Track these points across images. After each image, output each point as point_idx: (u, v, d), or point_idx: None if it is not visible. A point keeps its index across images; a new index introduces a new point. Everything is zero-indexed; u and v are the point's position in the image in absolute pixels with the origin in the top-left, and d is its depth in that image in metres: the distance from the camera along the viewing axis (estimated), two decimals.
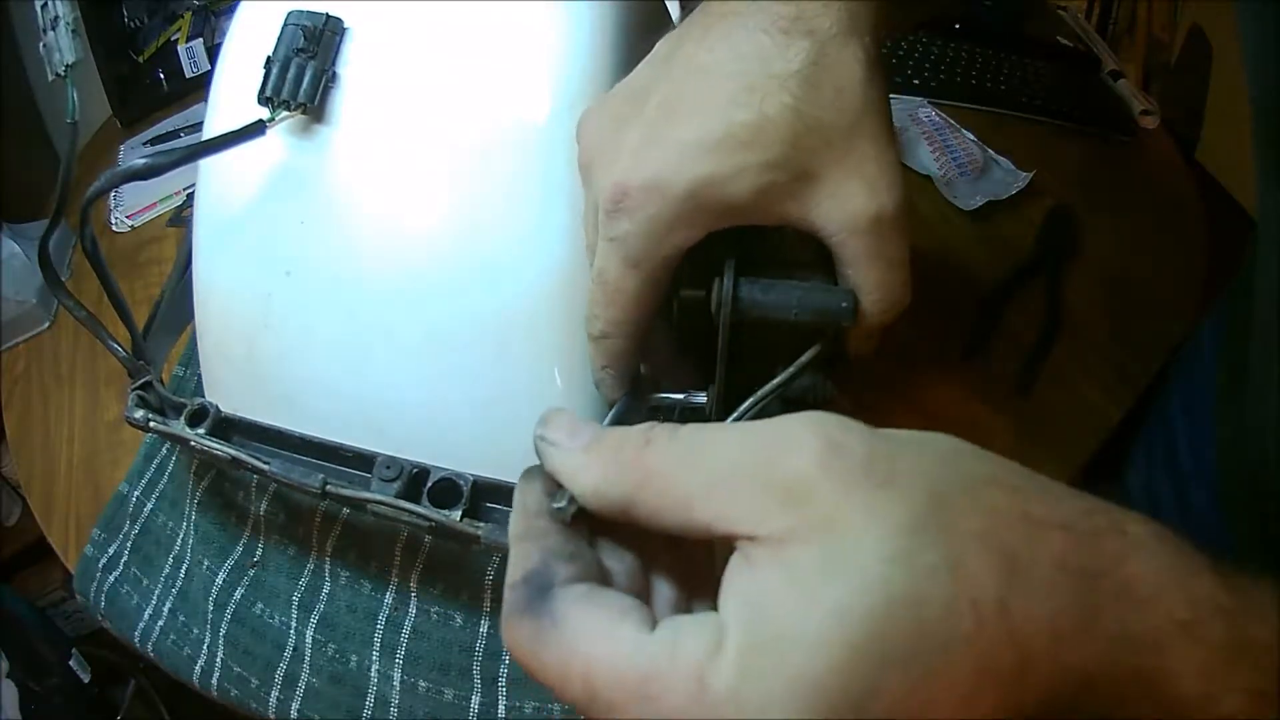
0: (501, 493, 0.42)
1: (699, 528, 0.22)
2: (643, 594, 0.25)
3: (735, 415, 0.37)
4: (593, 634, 0.21)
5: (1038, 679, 0.20)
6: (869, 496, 0.20)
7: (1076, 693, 0.21)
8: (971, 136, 0.82)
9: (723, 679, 0.19)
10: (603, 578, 0.24)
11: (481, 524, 0.41)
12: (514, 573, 0.24)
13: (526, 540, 0.24)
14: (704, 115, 0.31)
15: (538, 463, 0.27)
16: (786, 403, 0.38)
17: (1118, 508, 0.22)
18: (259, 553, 0.52)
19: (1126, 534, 0.21)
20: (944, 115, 0.84)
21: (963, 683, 0.19)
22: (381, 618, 0.50)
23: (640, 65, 0.35)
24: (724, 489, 0.21)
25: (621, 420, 0.39)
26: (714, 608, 0.22)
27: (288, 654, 0.50)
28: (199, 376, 0.51)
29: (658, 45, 0.35)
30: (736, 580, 0.21)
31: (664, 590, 0.26)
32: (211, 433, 0.45)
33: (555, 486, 0.26)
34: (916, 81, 0.88)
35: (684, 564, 0.26)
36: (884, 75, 0.33)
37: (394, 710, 0.48)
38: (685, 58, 0.33)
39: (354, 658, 0.49)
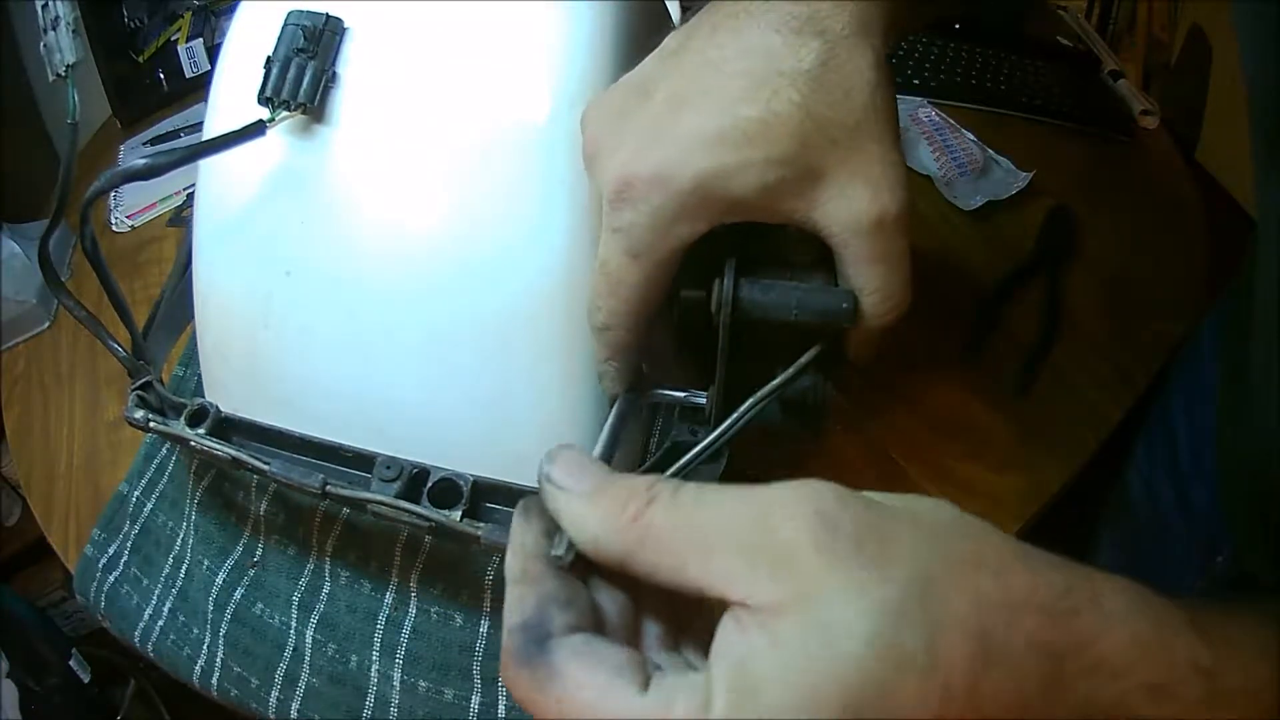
0: (501, 493, 0.42)
1: (693, 588, 0.23)
2: (633, 632, 0.26)
3: (735, 415, 0.37)
4: (588, 691, 0.22)
5: None
6: (856, 575, 0.21)
7: None
8: (971, 136, 0.82)
9: None
10: (596, 619, 0.25)
11: (481, 524, 0.41)
12: (511, 617, 0.24)
13: (524, 584, 0.25)
14: (712, 109, 0.31)
15: (535, 493, 0.27)
16: (786, 403, 0.38)
17: (1102, 577, 0.23)
18: (259, 553, 0.52)
19: (1102, 608, 0.23)
20: (944, 115, 0.84)
21: (968, 697, 0.20)
22: (381, 618, 0.50)
23: (647, 59, 0.35)
24: (719, 555, 0.22)
25: (623, 418, 0.39)
26: (702, 651, 0.23)
27: (288, 654, 0.50)
28: (199, 376, 0.51)
29: (666, 40, 0.35)
30: (726, 643, 0.22)
31: (653, 629, 0.26)
32: (211, 433, 0.45)
33: (554, 526, 0.26)
34: (916, 81, 0.88)
35: (673, 605, 0.27)
36: (891, 78, 0.33)
37: (394, 710, 0.48)
38: (694, 52, 0.33)
39: (354, 658, 0.49)
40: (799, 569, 0.21)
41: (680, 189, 0.32)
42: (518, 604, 0.24)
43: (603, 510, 0.24)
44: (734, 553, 0.22)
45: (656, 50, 0.35)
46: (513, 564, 0.25)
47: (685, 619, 0.26)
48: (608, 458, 0.35)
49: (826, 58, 0.31)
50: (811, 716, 0.20)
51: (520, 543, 0.26)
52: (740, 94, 0.31)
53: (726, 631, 0.22)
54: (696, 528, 0.23)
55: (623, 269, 0.34)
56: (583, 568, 0.26)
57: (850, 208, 0.32)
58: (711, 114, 0.31)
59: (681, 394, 0.41)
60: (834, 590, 0.21)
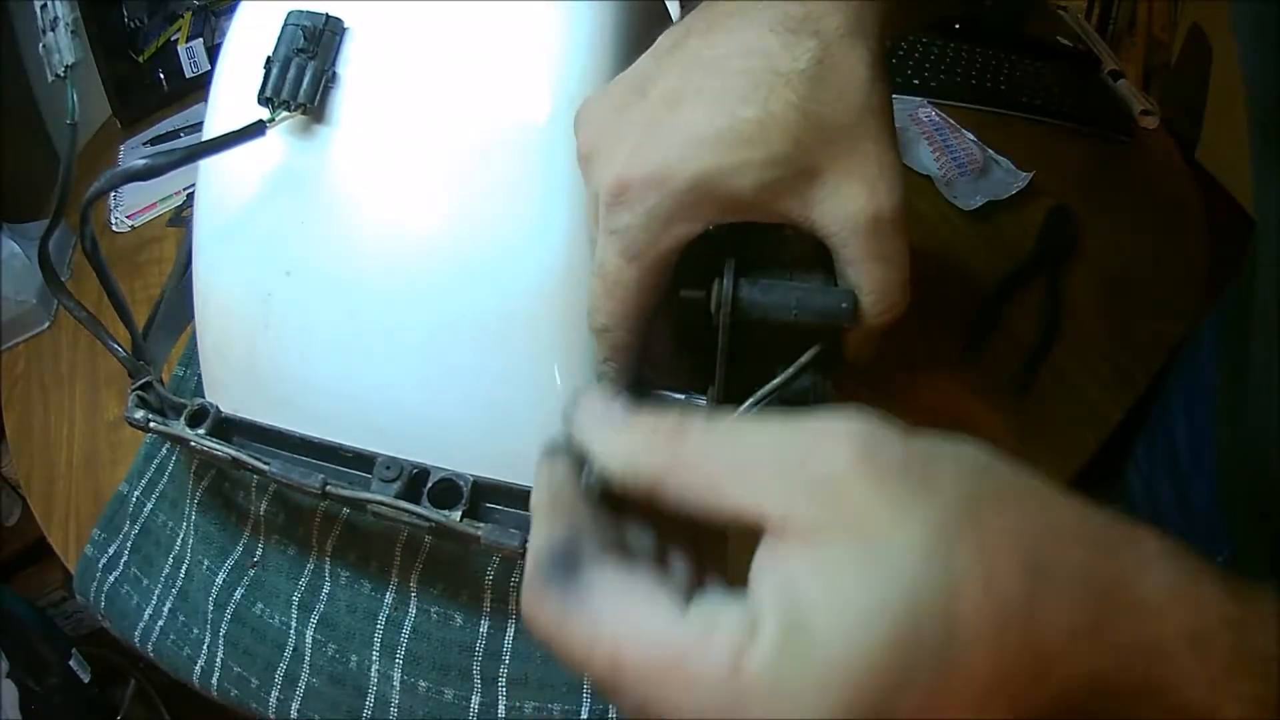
0: (501, 493, 0.42)
1: (726, 513, 0.22)
2: (662, 569, 0.25)
3: (736, 415, 0.37)
4: (624, 611, 0.22)
5: (1051, 684, 0.21)
6: (904, 496, 0.21)
7: (1085, 699, 0.21)
8: (971, 136, 0.82)
9: (757, 663, 0.20)
10: (626, 554, 0.24)
11: (481, 524, 0.41)
12: (538, 541, 0.24)
13: (553, 512, 0.24)
14: (709, 109, 0.32)
15: (555, 440, 0.27)
16: (786, 403, 0.38)
17: (1132, 522, 0.23)
18: (259, 553, 0.52)
19: (1141, 549, 0.22)
20: (944, 115, 0.84)
21: (982, 683, 0.20)
22: (381, 618, 0.50)
23: (642, 58, 0.35)
24: (756, 477, 0.22)
25: None
26: (726, 588, 0.22)
27: (288, 654, 0.50)
28: (199, 376, 0.51)
29: (660, 38, 0.35)
30: (767, 568, 0.21)
31: (679, 567, 0.26)
32: (211, 433, 0.45)
33: (579, 464, 0.26)
34: (916, 81, 0.88)
35: (699, 543, 0.26)
36: (887, 77, 0.33)
37: (394, 710, 0.48)
38: (690, 51, 0.33)
39: (354, 658, 0.49)
40: (842, 491, 0.21)
41: (677, 189, 0.32)
42: (546, 530, 0.24)
43: (634, 436, 0.24)
44: (772, 476, 0.22)
45: (651, 49, 0.35)
46: (539, 497, 0.25)
47: (712, 557, 0.26)
48: None
49: (822, 57, 0.32)
50: (865, 640, 0.19)
51: (547, 478, 0.26)
52: (737, 94, 0.31)
53: (765, 557, 0.21)
54: (732, 451, 0.22)
55: (620, 271, 0.34)
56: (608, 506, 0.25)
57: (846, 206, 0.32)
58: (708, 114, 0.31)
59: (681, 396, 0.41)
60: (880, 512, 0.20)
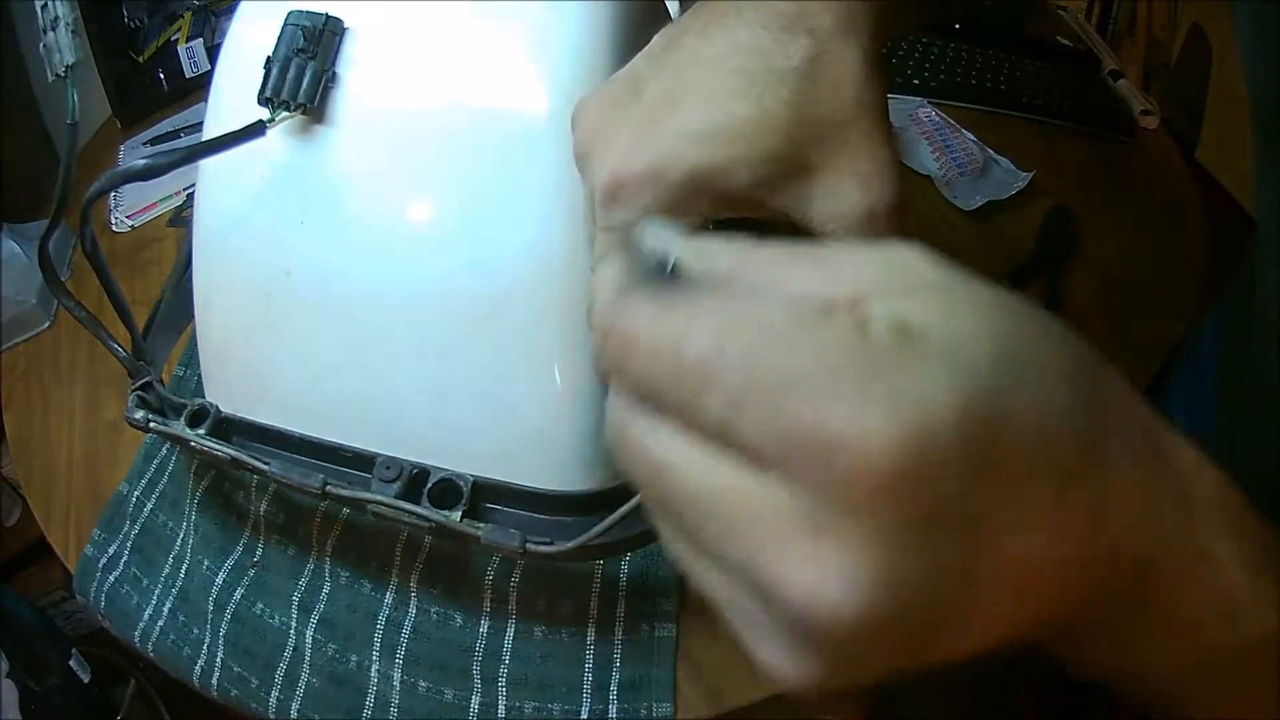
0: (501, 493, 0.42)
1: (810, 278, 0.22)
2: None
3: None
4: (761, 254, 0.22)
5: (1107, 536, 0.21)
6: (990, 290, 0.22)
7: (1135, 583, 0.22)
8: (971, 136, 0.82)
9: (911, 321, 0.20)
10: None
11: (481, 524, 0.41)
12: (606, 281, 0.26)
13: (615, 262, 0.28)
14: (703, 106, 0.32)
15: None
16: None
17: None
18: (259, 553, 0.52)
19: (1188, 458, 0.24)
20: (944, 115, 0.84)
21: (1060, 460, 0.20)
22: (381, 618, 0.50)
23: (637, 57, 0.35)
24: (838, 264, 0.22)
25: None
26: None
27: (288, 654, 0.50)
28: (199, 377, 0.51)
29: (655, 38, 0.35)
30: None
31: None
32: (211, 433, 0.45)
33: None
34: (916, 81, 0.88)
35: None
36: (883, 74, 0.34)
37: (394, 710, 0.48)
38: (685, 50, 0.34)
39: (354, 658, 0.49)
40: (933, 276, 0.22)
41: (671, 185, 0.32)
42: (629, 262, 0.26)
43: (711, 249, 0.24)
44: (861, 262, 0.22)
45: (646, 48, 0.35)
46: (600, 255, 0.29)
47: None
48: None
49: (815, 55, 0.32)
50: (983, 346, 0.20)
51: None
52: (732, 91, 0.32)
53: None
54: (818, 253, 0.23)
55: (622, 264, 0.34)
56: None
57: (840, 202, 0.33)
58: (703, 111, 0.32)
59: None
60: (977, 294, 0.22)
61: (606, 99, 0.35)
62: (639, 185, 0.32)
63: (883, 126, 0.33)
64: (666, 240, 0.25)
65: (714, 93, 0.32)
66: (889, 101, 0.34)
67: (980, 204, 0.76)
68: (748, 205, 0.33)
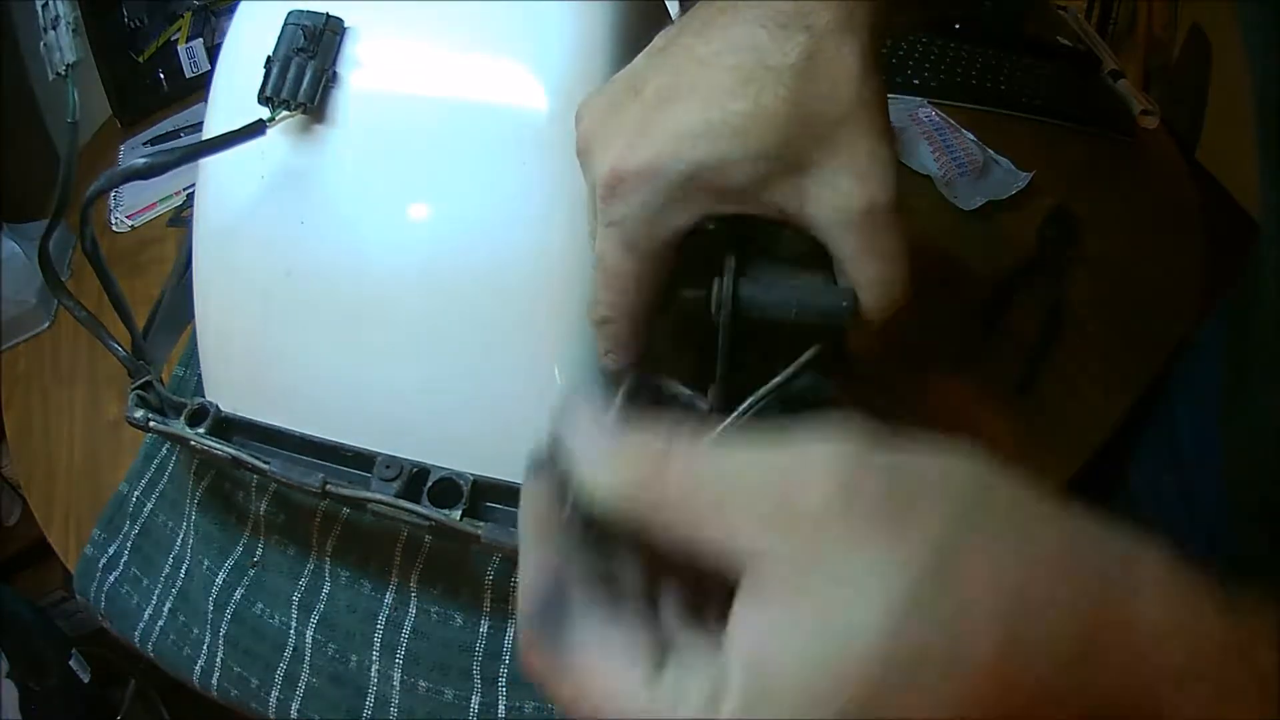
0: (501, 492, 0.42)
1: (709, 553, 0.22)
2: (653, 597, 0.24)
3: (734, 415, 0.37)
4: (603, 674, 0.22)
5: None
6: (879, 544, 0.20)
7: None
8: (971, 136, 0.82)
9: None
10: (613, 587, 0.24)
11: (481, 523, 0.41)
12: (527, 591, 0.24)
13: (538, 551, 0.24)
14: (701, 103, 0.32)
15: (540, 453, 0.26)
16: (786, 403, 0.37)
17: (1131, 539, 0.22)
18: (259, 553, 0.52)
19: (1133, 574, 0.21)
20: (944, 115, 0.84)
21: (996, 664, 0.19)
22: (381, 618, 0.50)
23: (638, 57, 0.36)
24: (735, 516, 0.21)
25: (631, 397, 0.38)
26: (722, 619, 0.22)
27: (288, 654, 0.50)
28: (199, 376, 0.51)
29: (655, 38, 0.36)
30: (742, 618, 0.21)
31: (673, 594, 0.25)
32: (211, 432, 0.45)
33: (563, 484, 0.25)
34: (916, 81, 0.88)
35: (693, 566, 0.25)
36: (880, 72, 0.34)
37: (394, 710, 0.48)
38: (683, 49, 0.34)
39: (354, 658, 0.49)
40: (819, 534, 0.20)
41: (670, 181, 0.32)
42: (533, 575, 0.24)
43: (617, 473, 0.23)
44: (750, 514, 0.21)
45: (646, 48, 0.36)
46: (524, 524, 0.25)
47: (705, 585, 0.25)
48: None
49: (812, 52, 0.32)
50: (830, 703, 0.19)
51: (531, 509, 0.25)
52: (729, 89, 0.32)
53: (743, 605, 0.21)
54: (712, 490, 0.22)
55: (619, 262, 0.35)
56: (597, 527, 0.24)
57: (837, 200, 0.33)
58: (701, 108, 0.32)
59: (686, 390, 0.41)
60: (856, 563, 0.20)
61: (607, 98, 0.35)
62: (638, 181, 0.32)
63: (881, 124, 0.33)
64: (576, 459, 0.24)
65: (711, 90, 0.32)
66: (889, 101, 0.34)
67: (980, 204, 0.76)
68: (745, 201, 0.34)
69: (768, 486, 0.21)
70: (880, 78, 0.33)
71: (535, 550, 0.24)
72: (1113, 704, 0.21)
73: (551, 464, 0.25)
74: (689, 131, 0.32)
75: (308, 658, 0.50)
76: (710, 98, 0.32)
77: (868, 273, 0.34)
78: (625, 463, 0.23)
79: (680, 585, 0.25)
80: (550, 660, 0.23)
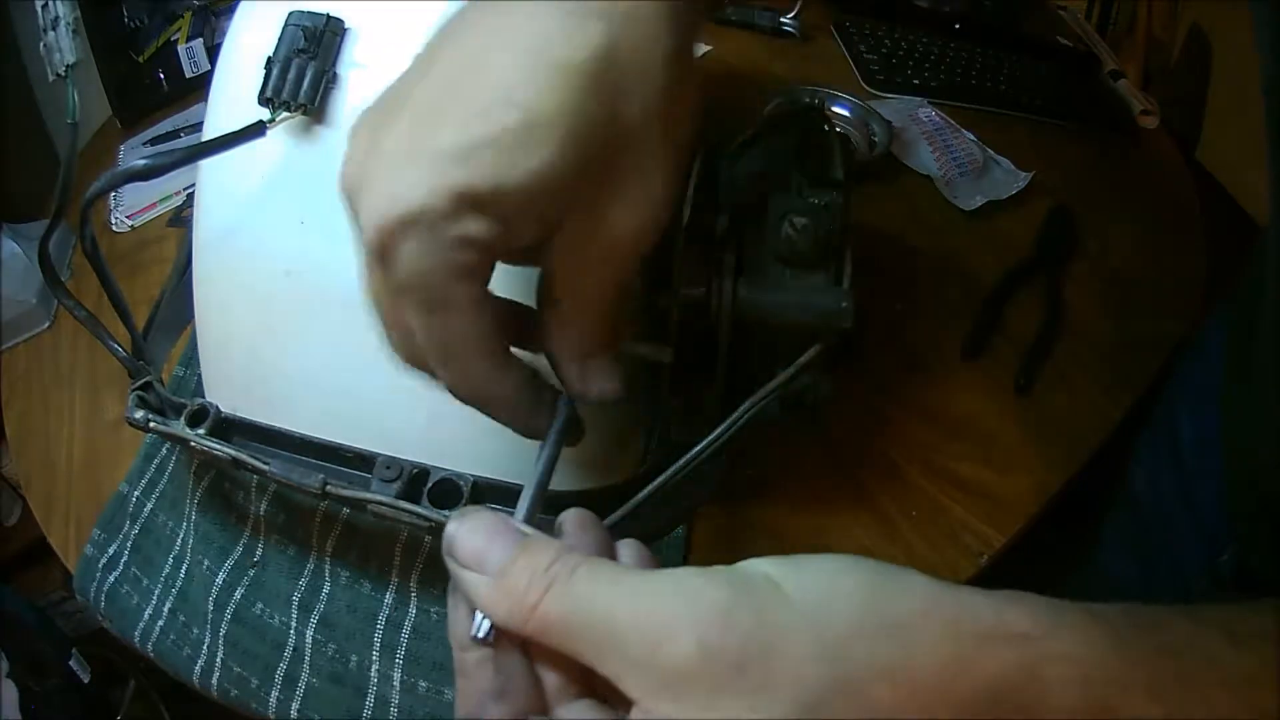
0: (501, 492, 0.42)
1: (601, 679, 0.23)
2: (575, 695, 0.25)
3: (735, 414, 0.37)
4: None
5: None
6: (741, 703, 0.21)
7: None
8: (971, 136, 0.82)
9: None
10: (536, 696, 0.25)
11: None
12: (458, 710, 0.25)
13: (461, 678, 0.25)
14: (466, 117, 0.26)
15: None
16: (785, 401, 0.38)
17: (1048, 628, 0.22)
18: (259, 553, 0.52)
19: (1040, 678, 0.21)
20: (944, 115, 0.84)
21: None
22: (381, 618, 0.50)
23: (414, 56, 0.29)
24: (616, 660, 0.22)
25: (551, 465, 0.34)
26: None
27: (288, 654, 0.50)
28: (199, 377, 0.51)
29: (435, 27, 0.29)
30: None
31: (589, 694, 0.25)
32: (212, 433, 0.45)
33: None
34: (916, 81, 0.88)
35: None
36: (688, 74, 0.28)
37: (394, 710, 0.48)
38: (454, 49, 0.28)
39: (354, 658, 0.49)
40: (686, 691, 0.21)
41: (438, 221, 0.26)
42: (461, 699, 0.25)
43: (504, 597, 0.24)
44: (629, 663, 0.22)
45: (424, 41, 0.29)
46: (454, 652, 0.26)
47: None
48: (530, 515, 0.31)
49: (607, 47, 0.26)
50: None
51: (452, 631, 0.26)
52: (505, 95, 0.26)
53: None
54: (589, 626, 0.23)
55: (436, 330, 0.28)
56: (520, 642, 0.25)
57: (598, 230, 0.28)
58: (466, 124, 0.26)
59: (644, 347, 0.38)
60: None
61: (369, 120, 0.29)
62: (404, 231, 0.26)
63: (669, 144, 0.28)
64: (468, 585, 0.25)
65: (482, 99, 0.26)
66: (889, 101, 0.33)
67: (980, 204, 0.76)
68: (527, 229, 0.28)
69: (635, 635, 0.22)
70: (687, 81, 0.28)
71: (459, 677, 0.26)
72: None
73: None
74: (453, 153, 0.26)
75: (308, 658, 0.50)
76: (480, 109, 0.26)
77: (568, 297, 0.30)
78: (513, 588, 0.24)
79: (599, 686, 0.25)
80: None
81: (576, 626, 0.23)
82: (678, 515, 0.51)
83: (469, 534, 0.26)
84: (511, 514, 0.28)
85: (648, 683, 0.22)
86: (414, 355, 0.30)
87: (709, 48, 0.92)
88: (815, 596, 0.22)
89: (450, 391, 0.30)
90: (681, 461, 0.38)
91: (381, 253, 0.27)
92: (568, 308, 0.30)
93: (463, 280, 0.27)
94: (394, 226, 0.26)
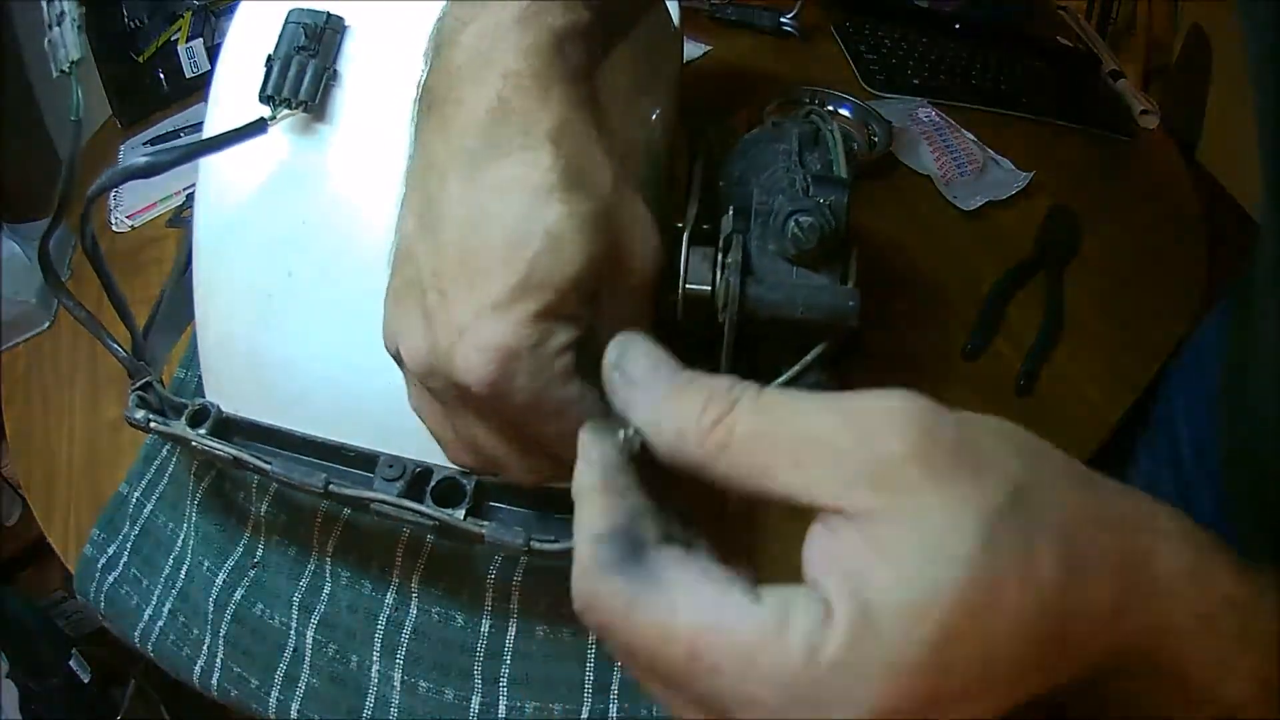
0: (504, 491, 0.42)
1: (776, 495, 0.22)
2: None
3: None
4: (700, 599, 0.21)
5: (1077, 659, 0.22)
6: (956, 485, 0.21)
7: (1105, 675, 0.23)
8: (971, 136, 0.82)
9: (831, 654, 0.20)
10: (677, 526, 0.24)
11: (485, 523, 0.41)
12: (597, 525, 0.23)
13: (607, 494, 0.24)
14: (503, 261, 0.30)
15: (599, 421, 0.25)
16: None
17: (1151, 500, 0.24)
18: (259, 553, 0.52)
19: (1158, 530, 0.23)
20: (944, 115, 0.84)
21: (1019, 666, 0.21)
22: (382, 618, 0.50)
23: (407, 225, 0.33)
24: (810, 463, 0.22)
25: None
26: (748, 565, 0.22)
27: (288, 654, 0.50)
28: (199, 377, 0.51)
29: (409, 197, 0.33)
30: (828, 553, 0.22)
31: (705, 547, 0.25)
32: (212, 433, 0.45)
33: (617, 430, 0.24)
34: (916, 81, 0.88)
35: (720, 518, 0.26)
36: (595, 115, 0.32)
37: (394, 710, 0.48)
38: (448, 214, 0.31)
39: (354, 658, 0.49)
40: (900, 476, 0.21)
41: (536, 345, 0.30)
42: (603, 513, 0.23)
43: (681, 411, 0.23)
44: (828, 461, 0.22)
45: (409, 210, 0.33)
46: (588, 479, 0.24)
47: (724, 536, 0.26)
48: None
49: (557, 156, 0.30)
50: (924, 632, 0.20)
51: (596, 455, 0.24)
52: (521, 230, 0.30)
53: (823, 541, 0.22)
54: (786, 434, 0.22)
55: (559, 431, 0.30)
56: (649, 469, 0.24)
57: (624, 282, 0.32)
58: (508, 266, 0.30)
59: None
60: (936, 500, 0.21)
61: (403, 308, 0.32)
62: (514, 368, 0.29)
63: (636, 194, 0.32)
64: (636, 400, 0.24)
65: (509, 238, 0.30)
66: (889, 101, 0.34)
67: (980, 204, 0.76)
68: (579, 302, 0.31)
69: (846, 435, 0.22)
70: (592, 121, 0.32)
71: (601, 498, 0.24)
72: (1137, 645, 0.22)
73: (610, 425, 0.25)
74: (514, 290, 0.29)
75: (308, 658, 0.50)
76: (510, 247, 0.30)
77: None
78: (690, 403, 0.23)
79: (709, 536, 0.25)
80: (629, 593, 0.22)
81: (772, 437, 0.22)
82: None
83: (642, 354, 0.25)
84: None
85: (856, 478, 0.21)
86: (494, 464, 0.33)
87: (709, 47, 0.92)
88: (990, 419, 0.24)
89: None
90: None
91: (495, 396, 0.29)
92: None
93: (568, 381, 0.30)
94: (501, 368, 0.29)
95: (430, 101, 0.33)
